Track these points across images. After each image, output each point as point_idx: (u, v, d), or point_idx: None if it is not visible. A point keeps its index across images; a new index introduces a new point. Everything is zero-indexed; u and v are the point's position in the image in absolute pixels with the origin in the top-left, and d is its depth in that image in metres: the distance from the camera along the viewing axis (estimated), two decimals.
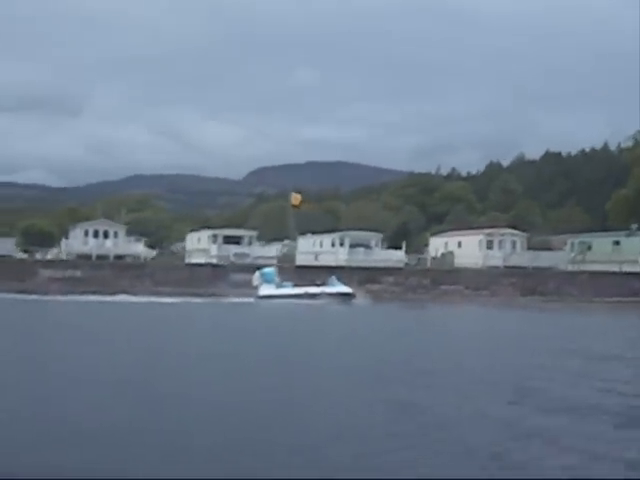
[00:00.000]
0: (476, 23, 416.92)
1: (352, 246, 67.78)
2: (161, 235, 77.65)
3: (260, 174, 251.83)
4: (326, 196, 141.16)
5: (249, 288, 57.21)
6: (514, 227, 75.07)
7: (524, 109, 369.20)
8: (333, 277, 54.82)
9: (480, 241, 69.20)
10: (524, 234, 71.94)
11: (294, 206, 69.72)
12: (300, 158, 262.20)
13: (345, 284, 53.70)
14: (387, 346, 25.74)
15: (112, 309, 45.15)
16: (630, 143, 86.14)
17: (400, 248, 69.02)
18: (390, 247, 72.88)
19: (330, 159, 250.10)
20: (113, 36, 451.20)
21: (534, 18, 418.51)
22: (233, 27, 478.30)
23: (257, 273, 57.08)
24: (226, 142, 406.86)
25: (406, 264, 66.92)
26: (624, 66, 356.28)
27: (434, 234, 78.63)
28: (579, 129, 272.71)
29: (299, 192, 73.80)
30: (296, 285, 54.79)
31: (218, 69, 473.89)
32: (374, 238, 69.97)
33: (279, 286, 55.05)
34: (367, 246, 68.36)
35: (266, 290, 54.72)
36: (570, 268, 67.92)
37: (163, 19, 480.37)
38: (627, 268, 65.17)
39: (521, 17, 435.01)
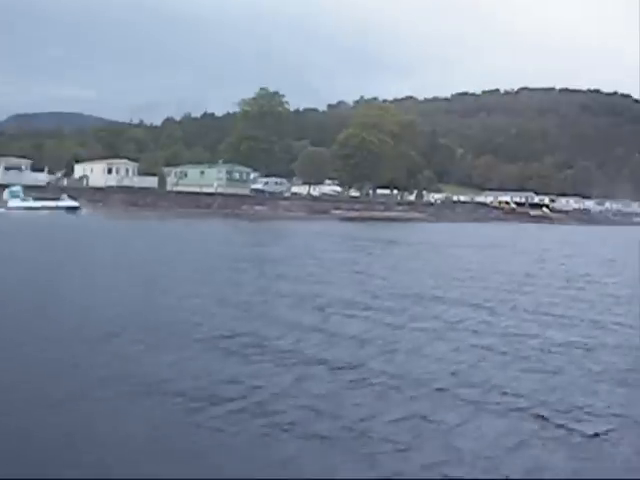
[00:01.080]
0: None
1: (7, 169, 66.11)
2: None
3: (20, 119, 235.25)
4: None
5: None
6: (132, 159, 77.37)
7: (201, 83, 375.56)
8: (65, 195, 53.78)
9: (104, 168, 70.56)
10: (136, 163, 74.45)
11: None
12: (48, 109, 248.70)
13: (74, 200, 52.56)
14: None
15: None
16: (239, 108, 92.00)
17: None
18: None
19: (71, 111, 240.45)
20: None
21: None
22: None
23: (6, 190, 53.76)
24: None
25: (48, 183, 65.65)
26: None
27: (77, 162, 77.95)
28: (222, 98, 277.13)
29: None
30: (37, 199, 52.45)
31: None
32: (24, 163, 69.23)
33: (23, 200, 52.37)
34: (19, 169, 67.26)
35: (13, 203, 51.98)
36: (171, 189, 71.25)
37: None
38: (206, 190, 70.03)
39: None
